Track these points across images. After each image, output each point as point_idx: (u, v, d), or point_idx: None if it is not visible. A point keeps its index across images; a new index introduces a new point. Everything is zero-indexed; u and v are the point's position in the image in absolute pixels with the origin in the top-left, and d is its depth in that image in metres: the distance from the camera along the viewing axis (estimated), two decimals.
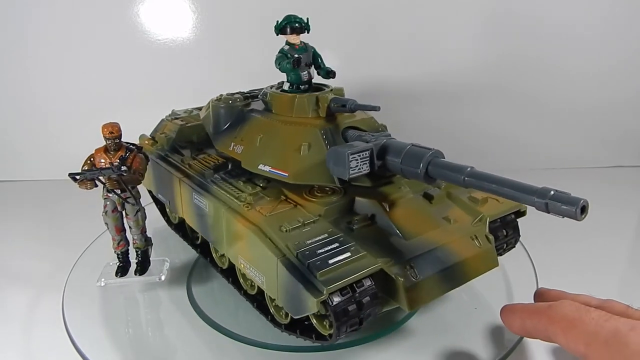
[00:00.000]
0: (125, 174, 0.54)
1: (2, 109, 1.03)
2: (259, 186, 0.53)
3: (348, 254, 0.43)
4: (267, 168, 0.52)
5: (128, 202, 0.57)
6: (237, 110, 0.59)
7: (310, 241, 0.44)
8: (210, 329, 0.53)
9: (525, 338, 0.50)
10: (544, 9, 0.97)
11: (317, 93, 0.53)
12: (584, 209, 0.33)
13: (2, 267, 0.72)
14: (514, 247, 0.58)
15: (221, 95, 0.62)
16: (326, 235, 0.45)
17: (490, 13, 0.98)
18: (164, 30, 0.99)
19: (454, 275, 0.46)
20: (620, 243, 0.76)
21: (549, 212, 0.34)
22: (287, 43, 0.55)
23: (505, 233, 0.54)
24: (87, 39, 0.99)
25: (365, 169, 0.46)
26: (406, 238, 0.47)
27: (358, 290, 0.42)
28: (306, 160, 0.50)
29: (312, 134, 0.51)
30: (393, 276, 0.43)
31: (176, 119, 0.72)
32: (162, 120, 0.74)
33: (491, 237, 0.50)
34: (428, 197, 0.52)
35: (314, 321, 0.47)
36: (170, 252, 0.69)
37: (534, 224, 0.78)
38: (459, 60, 1.01)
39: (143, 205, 0.59)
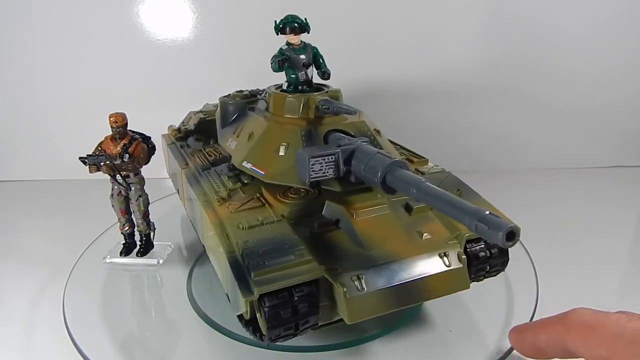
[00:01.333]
0: (113, 162, 0.58)
1: (2, 109, 1.03)
2: (242, 183, 0.54)
3: (291, 257, 0.42)
4: (249, 165, 0.53)
5: (122, 186, 0.61)
6: (240, 108, 0.61)
7: (258, 241, 0.44)
8: (209, 329, 0.53)
9: None
10: (544, 9, 0.97)
11: (308, 94, 0.53)
12: (510, 236, 0.30)
13: (1, 267, 0.72)
14: (502, 271, 0.53)
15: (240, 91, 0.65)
16: (278, 236, 0.45)
17: (490, 13, 0.98)
18: (164, 30, 0.99)
19: (410, 292, 0.43)
20: (621, 243, 0.76)
21: (478, 235, 0.32)
22: (287, 43, 0.55)
23: (488, 254, 0.49)
24: (87, 39, 0.98)
25: (331, 173, 0.45)
26: (366, 248, 0.45)
27: (296, 296, 0.41)
28: (283, 161, 0.50)
29: (292, 134, 0.51)
30: (335, 285, 0.42)
31: (201, 112, 0.75)
32: (190, 112, 0.76)
33: (464, 257, 0.46)
34: (408, 208, 0.50)
35: (259, 319, 0.44)
36: (181, 238, 0.73)
37: (534, 224, 0.79)
38: (459, 60, 1.01)
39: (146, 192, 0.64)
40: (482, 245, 0.49)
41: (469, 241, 0.48)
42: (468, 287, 0.46)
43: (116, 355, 0.50)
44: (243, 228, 0.46)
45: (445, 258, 0.45)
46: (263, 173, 0.51)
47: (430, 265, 0.45)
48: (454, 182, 0.55)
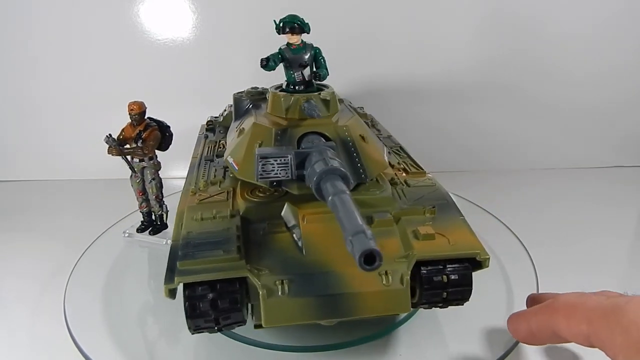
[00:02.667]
0: (118, 147, 0.64)
1: (2, 109, 1.03)
2: (224, 177, 0.56)
3: (220, 252, 0.42)
4: (231, 160, 0.54)
5: (133, 170, 0.67)
6: (247, 104, 0.63)
7: (200, 233, 0.45)
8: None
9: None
10: (544, 9, 0.97)
11: (297, 95, 0.53)
12: (369, 259, 0.29)
13: (1, 267, 0.72)
14: (460, 303, 0.47)
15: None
16: (220, 231, 0.45)
17: (490, 13, 0.98)
18: (164, 30, 0.99)
19: (337, 305, 0.42)
20: (620, 243, 0.76)
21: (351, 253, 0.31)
22: (287, 43, 0.55)
23: (445, 280, 0.44)
24: (86, 39, 0.98)
25: (284, 175, 0.45)
26: (304, 254, 0.44)
27: (217, 291, 0.41)
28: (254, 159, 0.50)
29: (267, 133, 0.51)
30: (257, 286, 0.41)
31: (230, 105, 0.77)
32: (227, 105, 0.79)
33: (407, 278, 0.43)
34: (370, 220, 0.47)
35: None
36: None
37: (534, 224, 0.79)
38: (459, 60, 1.01)
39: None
40: (440, 269, 0.44)
41: (426, 263, 0.44)
42: (408, 310, 0.44)
43: (116, 354, 0.50)
44: (196, 219, 0.47)
45: (385, 276, 0.42)
46: (237, 169, 0.52)
47: (365, 282, 0.42)
48: (436, 197, 0.52)
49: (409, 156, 0.65)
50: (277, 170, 0.45)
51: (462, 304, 0.47)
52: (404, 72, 1.02)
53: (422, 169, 0.60)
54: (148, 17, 0.97)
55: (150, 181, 0.68)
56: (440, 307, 0.48)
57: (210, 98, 0.98)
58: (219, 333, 0.51)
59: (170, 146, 0.70)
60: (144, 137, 0.64)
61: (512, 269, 0.63)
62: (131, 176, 0.68)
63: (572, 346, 0.51)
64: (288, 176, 0.45)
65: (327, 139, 0.51)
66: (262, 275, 0.42)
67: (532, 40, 1.00)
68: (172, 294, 0.41)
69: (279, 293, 0.41)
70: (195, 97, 1.01)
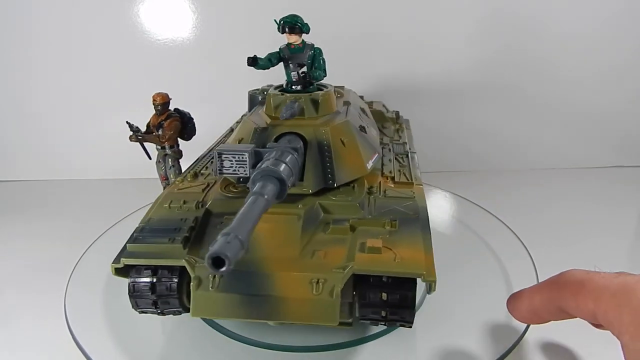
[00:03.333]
0: (135, 134, 0.67)
1: (2, 109, 1.03)
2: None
3: (166, 240, 0.44)
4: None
5: (149, 157, 0.71)
6: (258, 101, 0.66)
7: (160, 220, 0.48)
8: (209, 328, 0.53)
9: (522, 339, 0.49)
10: (545, 9, 0.97)
11: (290, 94, 0.54)
12: (217, 263, 0.29)
13: (1, 267, 0.72)
14: (405, 325, 0.45)
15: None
16: (177, 219, 0.48)
17: (490, 13, 0.98)
18: (164, 30, 0.99)
19: (263, 306, 0.43)
20: (620, 243, 0.76)
21: None
22: (287, 42, 0.55)
23: (384, 298, 0.43)
24: (86, 39, 0.98)
25: (243, 172, 0.46)
26: (247, 251, 0.45)
27: (157, 276, 0.45)
28: None
29: (248, 130, 0.53)
30: (191, 276, 0.43)
31: None
32: None
33: (337, 290, 0.42)
34: (327, 226, 0.47)
35: None
36: None
37: (534, 224, 0.79)
38: (459, 60, 1.01)
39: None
40: (379, 286, 0.43)
41: (367, 277, 0.43)
42: (334, 323, 0.42)
43: (117, 354, 0.50)
44: (165, 207, 0.51)
45: (317, 285, 0.42)
46: None
47: (294, 288, 0.42)
48: (406, 211, 0.49)
49: (409, 165, 0.62)
50: (235, 167, 0.46)
51: (408, 327, 0.45)
52: (404, 72, 1.02)
53: (412, 181, 0.56)
54: (148, 17, 0.97)
55: (171, 167, 0.72)
56: (386, 326, 0.46)
57: (210, 98, 0.99)
58: (219, 333, 0.52)
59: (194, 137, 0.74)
60: (164, 126, 0.68)
61: (512, 268, 0.63)
62: (157, 162, 0.74)
63: (572, 346, 0.51)
64: (246, 173, 0.45)
65: (305, 140, 0.51)
66: (198, 266, 0.43)
67: (532, 41, 1.00)
68: (118, 272, 0.45)
69: (209, 286, 0.43)
70: (196, 97, 1.01)
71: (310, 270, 0.43)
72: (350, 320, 0.46)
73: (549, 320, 0.42)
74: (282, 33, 0.55)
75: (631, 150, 1.08)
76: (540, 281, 0.57)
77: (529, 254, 0.64)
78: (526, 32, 0.99)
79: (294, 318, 0.43)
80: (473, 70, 1.01)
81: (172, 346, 0.52)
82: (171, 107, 0.71)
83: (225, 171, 0.46)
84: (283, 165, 0.42)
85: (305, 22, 0.55)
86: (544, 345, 0.51)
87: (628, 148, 1.08)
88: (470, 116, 1.05)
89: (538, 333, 0.51)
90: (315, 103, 0.53)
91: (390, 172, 0.58)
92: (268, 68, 0.56)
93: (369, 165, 0.54)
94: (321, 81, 0.58)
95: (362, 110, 0.65)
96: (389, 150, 0.64)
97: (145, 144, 0.70)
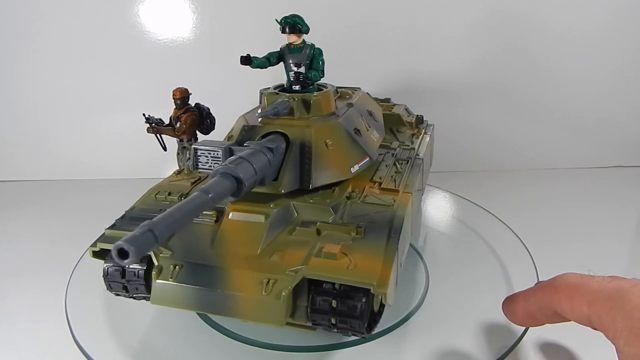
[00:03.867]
0: (151, 124, 0.68)
1: (2, 109, 1.03)
2: None
3: (139, 229, 0.44)
4: None
5: (164, 148, 0.71)
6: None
7: (143, 209, 0.52)
8: (209, 329, 0.53)
9: (521, 340, 0.49)
10: (545, 9, 0.97)
11: (283, 94, 0.54)
12: (121, 254, 0.29)
13: (2, 267, 0.72)
14: (357, 334, 0.44)
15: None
16: (157, 209, 0.50)
17: (490, 13, 0.98)
18: (164, 30, 0.99)
19: (215, 300, 0.43)
20: (621, 243, 0.76)
21: None
22: (288, 42, 0.55)
23: (333, 305, 0.42)
24: (86, 39, 0.98)
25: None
26: (212, 246, 0.46)
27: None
28: None
29: (239, 128, 0.54)
30: (155, 264, 0.45)
31: None
32: None
33: (285, 293, 0.41)
34: (292, 229, 0.48)
35: None
36: None
37: (534, 224, 0.79)
38: (459, 60, 1.01)
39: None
40: (330, 292, 0.42)
41: (321, 282, 0.42)
42: (281, 325, 0.42)
43: (118, 353, 0.50)
44: (152, 197, 0.53)
45: (267, 285, 0.42)
46: None
47: (246, 286, 0.42)
48: (378, 219, 0.47)
49: (405, 172, 0.58)
50: (211, 163, 0.47)
51: (361, 337, 0.45)
52: (403, 72, 1.02)
53: (397, 189, 0.53)
54: (148, 17, 0.97)
55: (188, 159, 0.72)
56: (339, 332, 0.45)
57: (211, 98, 0.98)
58: (219, 333, 0.52)
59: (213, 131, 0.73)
60: (181, 119, 0.68)
61: (513, 268, 0.63)
62: (177, 154, 0.74)
63: (572, 346, 0.51)
64: None
65: (288, 139, 0.51)
66: (162, 256, 0.46)
67: (532, 41, 1.00)
68: (95, 255, 0.48)
69: (169, 276, 0.44)
70: (196, 97, 1.01)
71: (264, 270, 0.43)
72: (311, 324, 0.45)
73: (545, 323, 0.42)
74: (282, 33, 0.55)
75: (631, 150, 1.08)
76: (540, 281, 0.57)
77: (529, 253, 0.64)
78: (526, 33, 0.99)
79: (242, 315, 0.43)
80: (473, 70, 1.01)
81: (172, 346, 0.52)
82: (193, 102, 0.71)
83: (201, 167, 0.47)
84: (246, 164, 0.42)
85: (305, 22, 0.55)
86: (543, 346, 0.51)
87: (628, 148, 1.08)
88: (470, 116, 1.05)
89: (537, 334, 0.51)
90: (306, 104, 0.53)
91: (381, 177, 0.56)
92: (266, 67, 0.56)
93: (354, 169, 0.53)
94: (320, 81, 0.58)
95: (370, 113, 0.63)
96: (392, 155, 0.62)
97: (164, 136, 0.70)
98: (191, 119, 0.69)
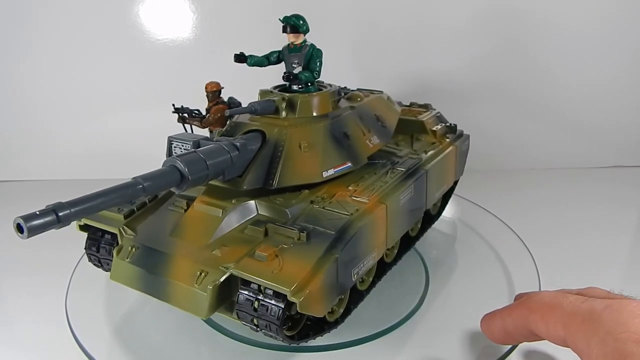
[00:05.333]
0: (179, 114, 0.70)
1: (2, 109, 1.03)
2: None
3: (116, 209, 0.51)
4: None
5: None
6: None
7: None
8: (210, 329, 0.53)
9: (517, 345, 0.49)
10: (545, 10, 0.97)
11: (276, 93, 0.54)
12: (19, 228, 0.32)
13: (2, 267, 0.72)
14: (270, 336, 0.45)
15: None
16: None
17: (491, 12, 0.98)
18: (164, 30, 0.99)
19: (156, 284, 0.46)
20: (621, 243, 0.76)
21: None
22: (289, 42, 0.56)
23: (254, 306, 0.42)
24: (86, 39, 0.98)
25: None
26: (170, 233, 0.49)
27: (103, 238, 0.53)
28: None
29: (226, 125, 0.56)
30: (118, 241, 0.50)
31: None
32: None
33: (211, 287, 0.42)
34: (244, 225, 0.48)
35: None
36: None
37: (534, 223, 0.79)
38: (459, 59, 1.01)
39: None
40: (255, 292, 0.42)
41: (249, 282, 0.42)
42: (203, 316, 0.44)
43: (119, 353, 0.50)
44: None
45: (199, 277, 0.43)
46: None
47: (182, 275, 0.44)
48: (328, 226, 0.46)
49: (390, 183, 0.54)
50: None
51: (284, 343, 0.45)
52: (403, 72, 1.02)
53: (367, 200, 0.50)
54: (148, 17, 0.97)
55: None
56: (257, 331, 0.45)
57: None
58: (220, 333, 0.52)
59: None
60: (210, 111, 0.70)
61: (514, 268, 0.63)
62: None
63: (568, 351, 0.51)
64: None
65: (260, 134, 0.52)
66: (126, 237, 0.49)
67: (532, 41, 1.00)
68: (81, 229, 0.53)
69: (126, 256, 0.48)
70: (196, 97, 1.01)
71: (201, 262, 0.44)
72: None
73: (522, 342, 0.42)
74: (283, 32, 0.55)
75: (631, 150, 1.08)
76: (519, 294, 0.57)
77: (530, 253, 0.64)
78: (527, 33, 0.99)
79: (175, 303, 0.45)
80: (473, 70, 1.01)
81: (173, 346, 0.52)
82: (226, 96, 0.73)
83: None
84: (196, 159, 0.43)
85: (305, 22, 0.55)
86: (540, 353, 0.51)
87: (628, 148, 1.08)
88: (470, 116, 1.05)
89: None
90: (291, 104, 0.52)
91: (359, 184, 0.53)
92: (264, 65, 0.56)
93: (328, 173, 0.52)
94: (331, 82, 0.58)
95: (378, 117, 0.61)
96: (392, 163, 0.59)
97: (193, 126, 0.72)
98: (218, 111, 0.71)
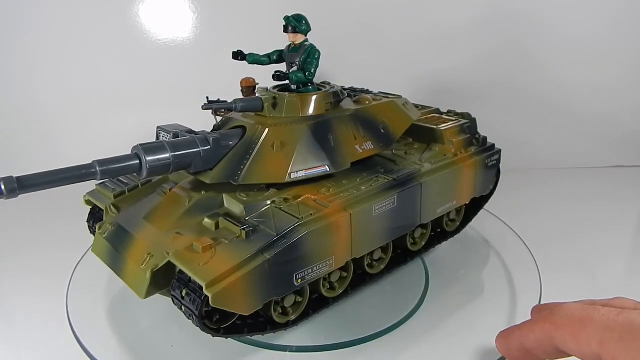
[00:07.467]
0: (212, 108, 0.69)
1: (3, 109, 1.03)
2: None
3: (111, 190, 0.57)
4: None
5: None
6: None
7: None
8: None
9: None
10: (546, 10, 0.97)
11: (272, 92, 0.54)
12: None
13: (2, 267, 0.72)
14: (207, 332, 0.45)
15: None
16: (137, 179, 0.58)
17: (492, 12, 0.98)
18: (164, 30, 0.99)
19: (117, 260, 0.50)
20: (621, 243, 0.76)
21: None
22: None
23: (182, 294, 0.44)
24: (87, 39, 0.99)
25: None
26: (144, 216, 0.51)
27: (98, 214, 0.59)
28: None
29: (219, 121, 0.57)
30: (103, 215, 0.55)
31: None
32: None
33: (149, 272, 0.44)
34: (200, 220, 0.49)
35: None
36: None
37: (534, 223, 0.79)
38: (460, 59, 1.01)
39: None
40: (184, 282, 0.44)
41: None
42: (141, 297, 0.46)
43: (120, 353, 0.50)
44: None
45: (146, 259, 0.46)
46: None
47: (137, 255, 0.47)
48: (272, 226, 0.45)
49: (366, 192, 0.51)
50: None
51: (207, 332, 0.45)
52: (403, 71, 1.02)
53: (327, 205, 0.48)
54: (148, 17, 0.98)
55: None
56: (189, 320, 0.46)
57: (212, 97, 0.98)
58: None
59: None
60: None
61: (514, 268, 0.63)
62: None
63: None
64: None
65: (242, 130, 0.52)
66: (110, 215, 0.54)
67: (532, 41, 1.00)
68: (87, 203, 0.60)
69: (104, 232, 0.52)
70: (196, 97, 1.01)
71: (154, 246, 0.47)
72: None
73: (544, 359, 0.40)
74: (284, 32, 0.55)
75: (631, 150, 1.08)
76: (536, 306, 0.56)
77: (530, 252, 0.64)
78: (527, 33, 0.99)
79: (124, 279, 0.48)
80: (473, 70, 1.01)
81: (173, 345, 0.52)
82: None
83: None
84: (162, 149, 0.46)
85: (305, 22, 0.55)
86: None
87: (628, 148, 1.08)
88: None
89: None
90: (277, 103, 0.53)
91: (331, 190, 0.51)
92: (264, 64, 0.56)
93: (297, 175, 0.50)
94: (332, 83, 0.58)
95: (381, 123, 0.58)
96: (384, 171, 0.56)
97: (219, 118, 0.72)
98: None
